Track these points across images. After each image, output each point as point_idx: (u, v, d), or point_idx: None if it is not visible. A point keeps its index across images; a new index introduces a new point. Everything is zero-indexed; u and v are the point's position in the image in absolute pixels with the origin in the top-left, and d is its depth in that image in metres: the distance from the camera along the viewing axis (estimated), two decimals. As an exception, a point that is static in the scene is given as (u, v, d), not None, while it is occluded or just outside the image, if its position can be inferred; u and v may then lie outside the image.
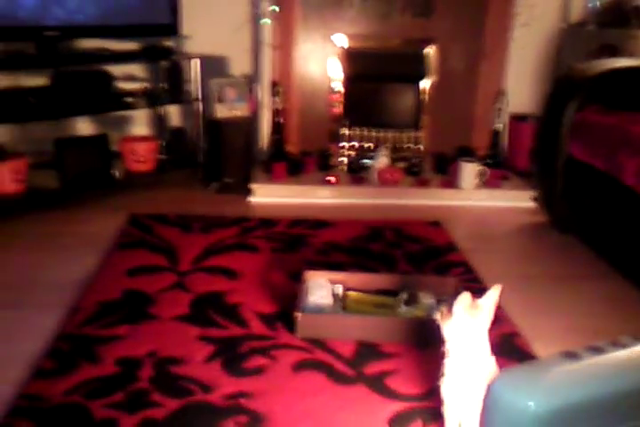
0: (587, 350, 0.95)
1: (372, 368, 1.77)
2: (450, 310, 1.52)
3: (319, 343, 1.87)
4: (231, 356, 1.80)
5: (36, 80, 3.02)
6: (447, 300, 1.85)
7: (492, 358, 1.50)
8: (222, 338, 1.89)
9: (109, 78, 3.11)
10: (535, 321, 2.07)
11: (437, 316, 1.57)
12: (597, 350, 0.95)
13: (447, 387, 1.50)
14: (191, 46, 3.46)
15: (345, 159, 3.42)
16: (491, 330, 1.54)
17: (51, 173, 2.99)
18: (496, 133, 3.39)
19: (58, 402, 1.57)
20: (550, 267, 2.52)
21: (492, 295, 1.52)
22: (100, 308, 2.03)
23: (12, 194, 2.81)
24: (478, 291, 1.57)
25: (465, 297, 1.50)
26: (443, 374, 1.51)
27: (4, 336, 1.90)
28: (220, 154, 3.25)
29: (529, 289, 2.31)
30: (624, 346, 0.95)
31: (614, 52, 3.59)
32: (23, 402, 1.57)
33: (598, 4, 3.49)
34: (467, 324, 1.50)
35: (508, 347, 1.88)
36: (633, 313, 2.16)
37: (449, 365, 1.51)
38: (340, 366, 1.77)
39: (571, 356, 0.94)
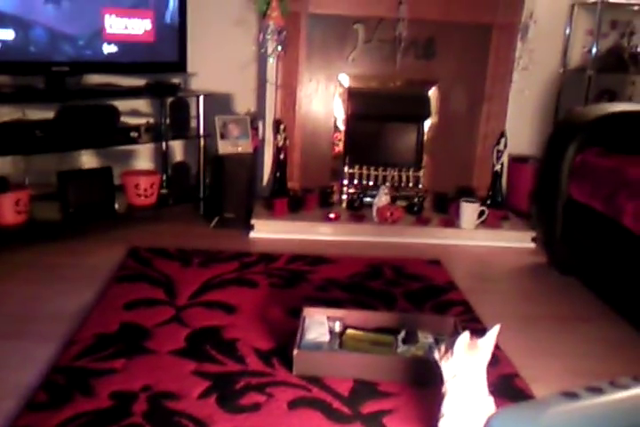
0: (586, 390, 0.94)
1: (370, 407, 1.74)
2: (449, 350, 1.52)
3: (316, 381, 1.84)
4: (227, 392, 1.78)
5: (44, 113, 3.07)
6: (446, 339, 1.84)
7: (491, 398, 1.49)
8: (218, 374, 1.87)
9: (115, 113, 3.16)
10: (534, 362, 2.05)
11: (436, 355, 1.57)
12: (596, 391, 0.94)
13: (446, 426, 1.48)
14: (197, 83, 3.53)
15: (346, 197, 3.44)
16: (490, 371, 1.53)
17: (53, 205, 3.01)
18: (496, 174, 3.42)
19: (50, 436, 1.55)
20: (549, 308, 2.51)
21: (491, 336, 1.52)
22: (97, 341, 2.01)
23: (14, 225, 2.82)
24: (477, 330, 1.57)
25: (465, 337, 1.50)
26: (442, 415, 1.50)
27: (-2, 367, 1.88)
28: (222, 189, 3.27)
29: (528, 330, 2.29)
30: (623, 387, 0.94)
31: (613, 96, 3.67)
32: (14, 435, 1.55)
33: (596, 50, 3.57)
34: (466, 363, 1.49)
35: (507, 388, 1.86)
36: (632, 355, 2.14)
37: (448, 404, 1.49)
38: (336, 404, 1.75)
39: (569, 395, 0.93)
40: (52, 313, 2.23)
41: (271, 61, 3.34)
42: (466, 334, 1.49)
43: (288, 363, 1.90)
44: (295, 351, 1.87)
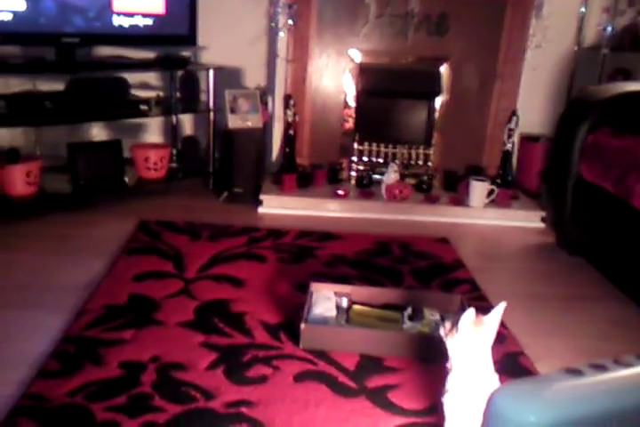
0: (589, 367, 0.95)
1: (375, 382, 1.77)
2: (454, 326, 1.53)
3: (322, 355, 1.87)
4: (234, 364, 1.80)
5: (54, 85, 3.07)
6: (451, 316, 1.85)
7: (496, 375, 1.50)
8: (226, 346, 1.89)
9: (125, 86, 3.15)
10: (540, 341, 2.06)
11: (442, 331, 1.58)
12: (600, 368, 0.95)
13: (450, 403, 1.50)
14: (207, 57, 3.51)
15: (355, 174, 3.44)
16: (495, 349, 1.54)
17: (64, 177, 3.03)
18: (506, 153, 3.40)
19: (61, 403, 1.58)
20: (557, 287, 2.52)
21: (497, 313, 1.53)
22: (106, 311, 2.04)
23: (25, 196, 2.84)
24: (483, 308, 1.58)
25: (470, 313, 1.51)
26: (446, 390, 1.51)
27: (10, 336, 1.91)
28: (231, 164, 3.27)
29: (535, 309, 2.30)
30: (627, 364, 0.95)
31: (628, 75, 3.62)
32: (27, 402, 1.58)
33: (612, 28, 3.52)
34: (471, 340, 1.50)
35: (512, 366, 1.87)
36: (639, 336, 2.15)
37: (452, 380, 1.51)
38: (342, 378, 1.77)
39: (573, 372, 0.94)
40: (62, 284, 2.25)
41: (282, 36, 3.32)
42: (471, 311, 1.50)
43: (295, 337, 1.92)
44: (302, 325, 1.89)
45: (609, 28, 3.52)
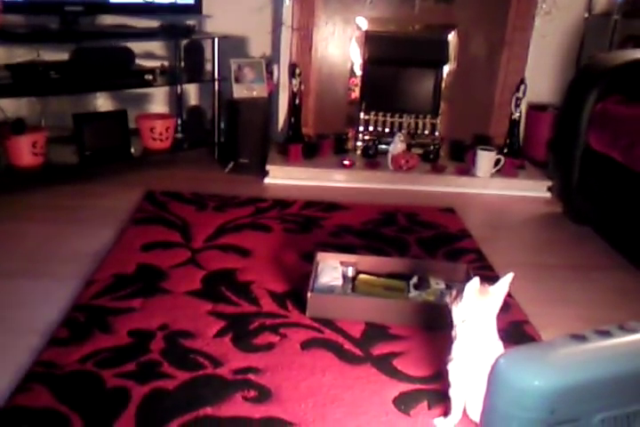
0: (594, 332, 0.96)
1: (380, 349, 1.79)
2: (459, 295, 1.54)
3: (329, 323, 1.89)
4: (241, 332, 1.82)
5: (58, 55, 3.04)
6: (457, 285, 1.86)
7: (500, 343, 1.52)
8: (233, 314, 1.91)
9: (130, 55, 3.12)
10: (545, 310, 2.08)
11: (447, 299, 1.59)
12: (605, 334, 0.96)
13: (455, 370, 1.51)
14: (212, 26, 3.46)
15: (361, 144, 3.42)
16: (500, 317, 1.55)
17: (70, 148, 3.02)
18: (514, 122, 3.37)
19: (71, 370, 1.61)
20: (563, 257, 2.52)
21: (504, 283, 1.53)
22: (115, 281, 2.06)
23: (31, 167, 2.85)
24: (489, 278, 1.58)
25: (474, 282, 1.51)
26: (451, 358, 1.53)
27: (21, 304, 1.94)
28: (237, 134, 3.26)
29: (540, 278, 2.31)
30: (632, 330, 0.96)
31: (639, 43, 3.55)
32: (39, 368, 1.61)
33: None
34: (475, 308, 1.51)
35: (517, 334, 1.89)
36: (643, 305, 2.16)
37: (457, 348, 1.52)
38: (348, 345, 1.79)
39: (577, 338, 0.95)
40: (70, 253, 2.27)
41: (287, 3, 3.27)
42: (475, 280, 1.51)
43: (301, 305, 1.94)
44: (309, 294, 1.91)
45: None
